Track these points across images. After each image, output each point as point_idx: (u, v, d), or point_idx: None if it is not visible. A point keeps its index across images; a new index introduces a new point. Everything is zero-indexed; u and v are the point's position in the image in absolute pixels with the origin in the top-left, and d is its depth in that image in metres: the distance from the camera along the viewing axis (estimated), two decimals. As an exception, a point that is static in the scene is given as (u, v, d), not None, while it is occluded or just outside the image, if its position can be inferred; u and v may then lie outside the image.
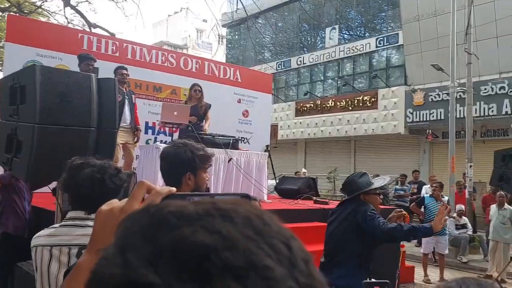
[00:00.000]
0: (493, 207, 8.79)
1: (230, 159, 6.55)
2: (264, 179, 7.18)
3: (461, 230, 10.04)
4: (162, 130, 8.14)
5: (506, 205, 8.46)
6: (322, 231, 5.90)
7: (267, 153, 7.93)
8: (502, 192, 8.29)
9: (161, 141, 7.07)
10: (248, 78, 8.99)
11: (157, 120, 7.38)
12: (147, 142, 7.80)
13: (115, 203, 0.72)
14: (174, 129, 6.57)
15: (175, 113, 6.12)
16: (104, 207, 0.72)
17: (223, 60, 22.65)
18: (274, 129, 11.30)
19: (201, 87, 6.95)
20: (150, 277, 0.36)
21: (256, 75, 9.85)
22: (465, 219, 10.27)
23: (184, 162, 2.06)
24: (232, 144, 6.79)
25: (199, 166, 2.08)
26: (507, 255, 8.20)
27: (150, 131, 8.20)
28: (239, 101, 8.73)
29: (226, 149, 6.53)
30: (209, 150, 2.27)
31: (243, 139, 8.29)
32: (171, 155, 2.12)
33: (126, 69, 6.76)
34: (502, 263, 8.14)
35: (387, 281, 1.60)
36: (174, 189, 0.70)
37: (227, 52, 27.71)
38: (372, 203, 3.36)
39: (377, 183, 3.47)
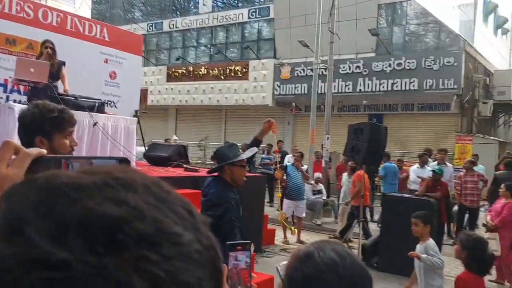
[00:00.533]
0: (345, 175, 9.78)
1: (95, 123, 6.14)
2: (133, 146, 6.93)
3: (317, 195, 11.00)
4: (16, 88, 7.25)
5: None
6: (193, 198, 5.97)
7: (136, 118, 7.64)
8: (353, 162, 9.26)
9: (14, 101, 6.30)
10: (117, 37, 8.42)
11: (10, 77, 6.56)
12: (-4, 101, 6.89)
13: None
14: (30, 87, 5.90)
15: (32, 69, 5.48)
16: None
17: (88, 15, 20.90)
18: (143, 93, 10.87)
19: (53, 44, 6.28)
20: (61, 254, 0.34)
21: (125, 34, 9.27)
22: (321, 186, 11.27)
23: (33, 125, 1.88)
24: (97, 107, 6.37)
25: (53, 130, 1.90)
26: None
27: (1, 88, 7.25)
28: (105, 61, 8.15)
29: (91, 113, 6.10)
30: (71, 113, 2.06)
31: (110, 102, 7.82)
32: (22, 117, 1.93)
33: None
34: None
35: (249, 241, 1.67)
36: (44, 151, 0.64)
37: (92, 7, 25.62)
38: (235, 175, 3.40)
39: (244, 155, 3.52)
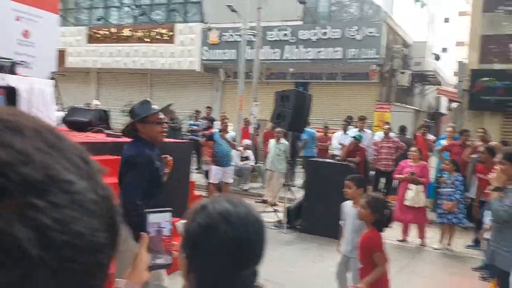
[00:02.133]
0: (272, 141, 9.98)
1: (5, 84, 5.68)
2: (51, 110, 6.52)
3: (245, 161, 11.17)
4: None
5: (282, 140, 9.69)
6: (115, 164, 5.79)
7: (53, 80, 7.16)
8: (280, 129, 9.46)
9: None
10: (30, -8, 7.75)
11: None
12: None
13: None
14: None
15: None
16: None
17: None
18: (61, 54, 10.17)
19: None
20: None
21: (39, -10, 8.56)
22: (248, 152, 11.44)
23: None
24: (9, 68, 5.89)
25: None
26: (279, 182, 9.53)
27: None
28: (17, 19, 7.48)
29: (1, 73, 5.63)
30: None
31: (22, 62, 7.24)
32: None
33: None
34: (275, 189, 9.43)
35: (169, 209, 1.66)
36: None
37: (1, -43, 23.22)
38: (150, 132, 3.24)
39: (155, 108, 3.31)
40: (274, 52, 16.60)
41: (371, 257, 3.57)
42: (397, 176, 7.55)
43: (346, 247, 4.38)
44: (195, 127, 12.95)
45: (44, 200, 0.35)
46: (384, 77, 15.82)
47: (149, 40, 19.07)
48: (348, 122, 10.95)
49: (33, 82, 6.23)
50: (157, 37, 18.96)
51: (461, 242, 7.29)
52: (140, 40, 19.22)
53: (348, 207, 4.50)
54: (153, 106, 3.32)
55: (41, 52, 7.98)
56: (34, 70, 7.61)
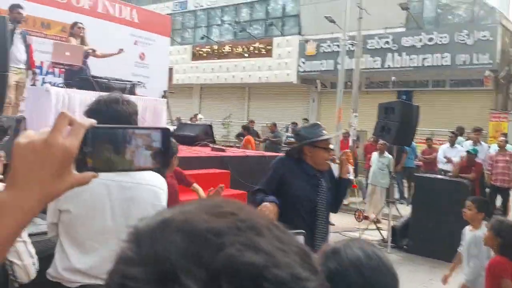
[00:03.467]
0: (374, 154, 9.65)
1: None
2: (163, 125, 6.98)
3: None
4: (51, 70, 7.37)
5: (386, 153, 9.33)
6: (221, 177, 6.01)
7: (165, 99, 7.68)
8: (383, 141, 9.12)
9: (50, 83, 6.40)
10: (145, 18, 8.40)
11: (47, 60, 6.68)
12: (33, 84, 7.03)
13: (33, 135, 0.65)
14: (65, 70, 6.00)
15: (67, 53, 5.56)
16: (22, 139, 0.64)
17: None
18: (170, 72, 10.86)
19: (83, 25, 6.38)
20: None
21: (153, 16, 9.25)
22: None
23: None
24: (129, 89, 6.42)
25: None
26: (383, 198, 9.16)
27: (37, 71, 7.39)
28: (135, 43, 8.17)
29: (123, 94, 6.15)
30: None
31: (139, 83, 7.88)
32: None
33: (22, 7, 6.06)
34: (378, 205, 9.09)
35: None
36: (94, 121, 0.67)
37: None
38: (315, 158, 3.11)
39: (327, 135, 3.21)
40: (375, 61, 16.14)
41: (499, 285, 3.24)
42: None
43: (468, 277, 4.03)
44: (292, 139, 12.96)
45: None
46: (499, 83, 14.55)
47: (247, 55, 19.66)
48: (455, 134, 10.20)
49: (149, 101, 6.73)
50: (255, 51, 19.48)
51: None
52: (240, 55, 19.89)
53: (466, 231, 4.17)
54: (323, 131, 3.22)
55: (154, 72, 8.62)
56: (149, 89, 8.23)
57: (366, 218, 9.07)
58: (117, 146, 0.67)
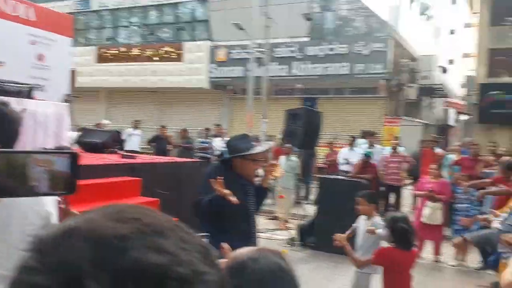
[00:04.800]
0: (282, 158, 9.99)
1: (23, 111, 5.80)
2: (65, 132, 6.63)
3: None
4: None
5: (293, 157, 9.71)
6: (131, 185, 5.87)
7: (68, 103, 7.29)
8: (289, 145, 9.49)
9: None
10: (44, 17, 7.91)
11: None
12: None
13: None
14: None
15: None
16: None
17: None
18: (72, 75, 10.31)
19: None
20: None
21: (53, 14, 8.73)
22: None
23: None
24: (25, 92, 6.02)
25: None
26: (290, 199, 9.53)
27: None
28: (33, 43, 7.66)
29: (19, 98, 5.75)
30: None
31: (38, 86, 7.38)
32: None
33: None
34: (286, 206, 9.44)
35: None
36: None
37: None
38: (245, 170, 3.23)
39: (258, 148, 3.30)
40: (282, 69, 16.74)
41: (393, 272, 3.56)
42: (416, 192, 7.57)
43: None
44: (205, 145, 13.00)
45: None
46: (391, 91, 15.88)
47: (157, 58, 19.32)
48: (354, 138, 10.98)
49: (49, 106, 6.35)
50: (165, 55, 19.21)
51: (477, 258, 7.22)
52: (149, 59, 19.48)
53: (360, 222, 4.53)
54: (252, 143, 3.33)
55: (55, 74, 8.13)
56: (49, 93, 7.75)
57: (275, 218, 9.38)
58: (18, 171, 0.63)
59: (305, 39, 16.93)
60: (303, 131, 7.70)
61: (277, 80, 16.63)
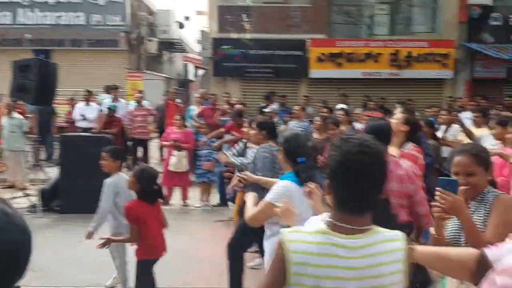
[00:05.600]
0: (3, 118, 8.71)
1: None
2: None
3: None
4: None
5: (16, 114, 8.55)
6: None
7: None
8: (9, 101, 8.34)
9: None
10: None
11: None
12: None
13: None
14: None
15: None
16: None
17: None
18: None
19: None
20: None
21: None
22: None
23: None
24: None
25: None
26: (22, 162, 8.49)
27: None
28: None
29: None
30: None
31: None
32: None
33: None
34: (19, 170, 8.40)
35: None
36: None
37: None
38: None
39: None
40: (5, 16, 14.46)
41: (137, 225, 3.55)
42: (163, 143, 7.78)
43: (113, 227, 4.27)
44: None
45: None
46: (132, 44, 15.67)
47: None
48: (90, 92, 10.44)
49: None
50: None
51: (218, 197, 7.99)
52: None
53: (108, 182, 4.35)
54: None
55: None
56: None
57: (12, 187, 8.27)
58: None
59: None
60: (36, 85, 6.83)
61: (1, 29, 14.33)
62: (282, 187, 2.81)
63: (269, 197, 2.78)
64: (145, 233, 3.57)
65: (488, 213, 2.13)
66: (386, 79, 12.26)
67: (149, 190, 3.60)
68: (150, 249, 3.62)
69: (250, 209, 2.79)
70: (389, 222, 1.89)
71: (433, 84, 12.42)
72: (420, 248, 1.68)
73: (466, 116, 6.97)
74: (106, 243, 3.75)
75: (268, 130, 4.22)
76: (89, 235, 4.10)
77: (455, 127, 6.48)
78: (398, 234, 1.45)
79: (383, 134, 2.98)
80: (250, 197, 2.83)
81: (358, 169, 1.34)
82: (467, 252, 1.56)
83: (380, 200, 1.89)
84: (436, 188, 2.00)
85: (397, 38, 12.68)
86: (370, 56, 12.21)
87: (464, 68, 12.44)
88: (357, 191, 1.36)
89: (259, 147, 4.17)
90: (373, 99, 10.00)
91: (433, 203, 2.03)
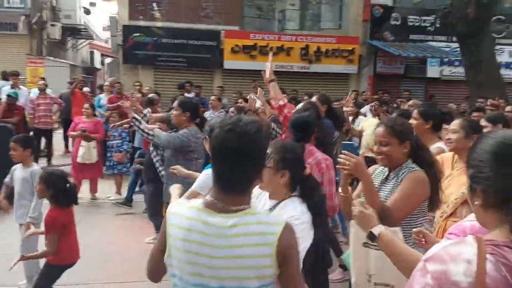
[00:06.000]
0: None
1: None
2: None
3: None
4: None
5: None
6: None
7: None
8: None
9: None
10: None
11: None
12: None
13: None
14: None
15: None
16: None
17: None
18: None
19: None
20: None
21: None
22: None
23: None
24: None
25: None
26: None
27: None
28: None
29: None
30: None
31: None
32: None
33: None
34: None
35: None
36: None
37: None
38: None
39: None
40: None
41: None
42: (70, 133, 7.31)
43: (16, 212, 4.04)
44: None
45: None
46: (33, 29, 14.51)
47: None
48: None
49: None
50: None
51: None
52: None
53: (18, 170, 4.08)
54: None
55: None
56: None
57: None
58: None
59: None
60: None
61: None
62: (206, 176, 2.90)
63: (194, 185, 2.94)
64: (65, 240, 3.31)
65: (398, 185, 2.29)
66: (297, 72, 12.69)
67: (62, 192, 3.31)
68: (67, 255, 3.37)
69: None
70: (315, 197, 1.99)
71: (340, 78, 13.12)
72: (385, 239, 1.76)
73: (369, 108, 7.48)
74: (22, 260, 3.37)
75: (191, 111, 4.15)
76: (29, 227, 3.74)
77: (360, 118, 6.94)
78: (279, 219, 1.46)
79: (305, 125, 3.11)
80: (174, 189, 2.81)
81: (225, 148, 1.37)
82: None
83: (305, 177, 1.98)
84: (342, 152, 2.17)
85: (307, 33, 13.22)
86: (282, 49, 12.55)
87: (367, 63, 13.29)
88: (226, 169, 1.39)
89: (182, 130, 4.07)
90: (286, 91, 10.30)
91: (338, 165, 2.16)
